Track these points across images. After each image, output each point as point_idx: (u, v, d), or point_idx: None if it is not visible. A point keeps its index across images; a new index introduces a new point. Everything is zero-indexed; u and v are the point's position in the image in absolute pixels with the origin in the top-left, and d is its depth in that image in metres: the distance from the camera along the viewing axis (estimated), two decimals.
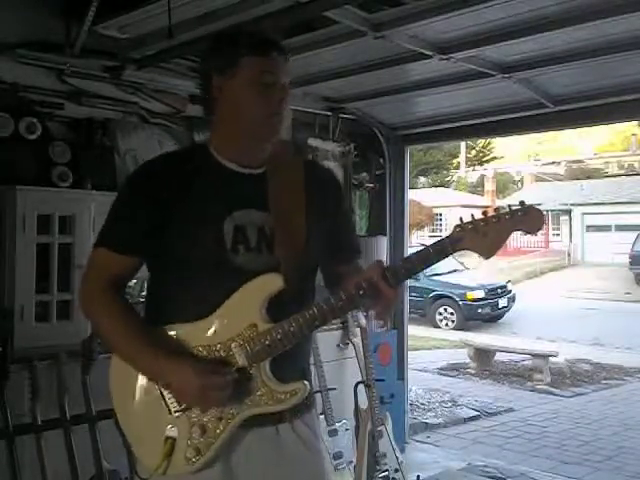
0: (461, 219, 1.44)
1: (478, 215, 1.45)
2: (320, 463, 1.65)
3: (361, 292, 1.46)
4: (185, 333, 1.52)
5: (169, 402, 1.50)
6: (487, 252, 1.44)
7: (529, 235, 1.45)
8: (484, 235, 1.42)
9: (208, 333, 1.50)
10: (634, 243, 20.71)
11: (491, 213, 1.43)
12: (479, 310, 13.41)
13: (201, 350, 1.50)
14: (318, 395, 3.74)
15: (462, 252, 1.48)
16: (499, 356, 8.92)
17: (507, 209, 1.42)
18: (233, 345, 1.49)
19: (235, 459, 1.53)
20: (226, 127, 1.58)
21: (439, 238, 1.49)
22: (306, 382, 1.52)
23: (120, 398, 1.59)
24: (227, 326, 1.50)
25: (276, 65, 1.53)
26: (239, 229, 1.53)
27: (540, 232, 1.47)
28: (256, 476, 1.54)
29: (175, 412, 1.50)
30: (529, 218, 1.42)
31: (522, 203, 1.42)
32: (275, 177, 1.60)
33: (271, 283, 1.49)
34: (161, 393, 1.51)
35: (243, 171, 1.59)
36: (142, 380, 1.53)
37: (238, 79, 1.52)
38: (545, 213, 1.49)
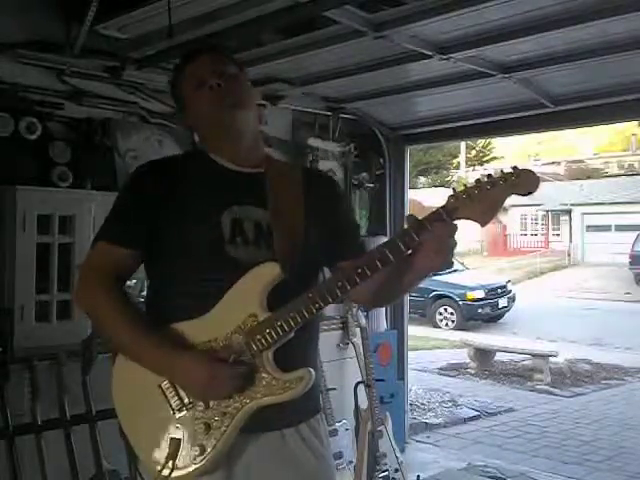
0: (454, 189, 1.42)
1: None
2: (325, 470, 1.64)
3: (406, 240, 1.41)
4: (186, 327, 1.50)
5: (172, 402, 1.49)
6: (483, 219, 1.42)
7: (524, 197, 1.40)
8: (479, 202, 1.40)
9: (209, 326, 1.49)
10: (634, 243, 20.70)
11: (484, 180, 1.41)
12: (479, 310, 13.41)
13: (203, 343, 1.49)
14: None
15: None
16: (499, 356, 8.92)
17: (500, 173, 1.40)
18: (234, 337, 1.47)
19: (239, 467, 1.52)
20: (204, 132, 1.66)
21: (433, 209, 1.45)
22: (311, 369, 1.49)
23: (122, 403, 1.58)
24: (228, 318, 1.49)
25: (209, 62, 1.63)
26: (237, 222, 1.55)
27: (534, 192, 1.40)
28: None
29: (178, 411, 1.48)
30: (523, 180, 1.39)
31: (515, 168, 1.40)
32: (274, 177, 1.64)
33: (270, 272, 1.48)
34: (164, 394, 1.50)
35: (241, 170, 1.63)
36: (144, 383, 1.51)
37: (188, 88, 1.64)
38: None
